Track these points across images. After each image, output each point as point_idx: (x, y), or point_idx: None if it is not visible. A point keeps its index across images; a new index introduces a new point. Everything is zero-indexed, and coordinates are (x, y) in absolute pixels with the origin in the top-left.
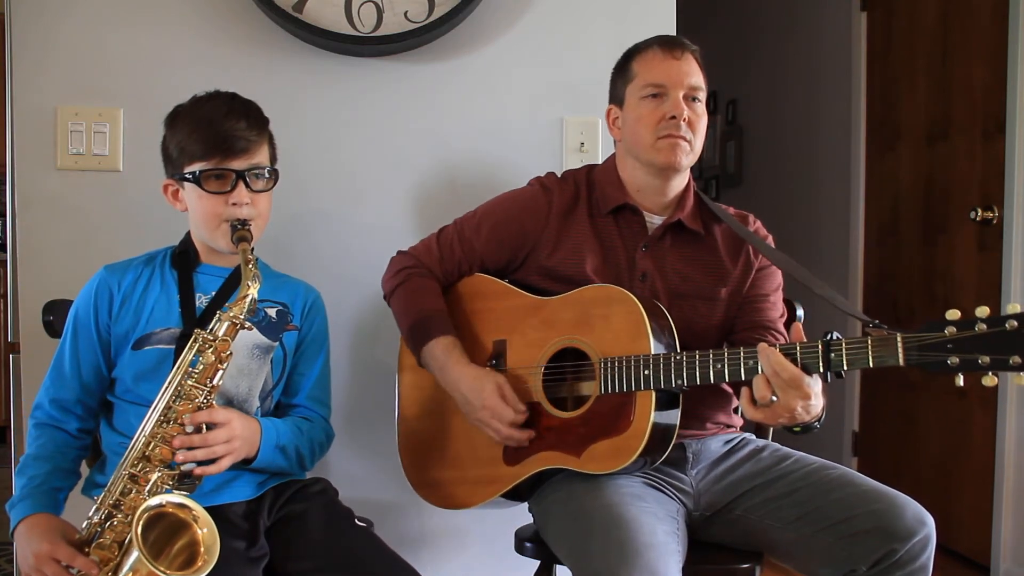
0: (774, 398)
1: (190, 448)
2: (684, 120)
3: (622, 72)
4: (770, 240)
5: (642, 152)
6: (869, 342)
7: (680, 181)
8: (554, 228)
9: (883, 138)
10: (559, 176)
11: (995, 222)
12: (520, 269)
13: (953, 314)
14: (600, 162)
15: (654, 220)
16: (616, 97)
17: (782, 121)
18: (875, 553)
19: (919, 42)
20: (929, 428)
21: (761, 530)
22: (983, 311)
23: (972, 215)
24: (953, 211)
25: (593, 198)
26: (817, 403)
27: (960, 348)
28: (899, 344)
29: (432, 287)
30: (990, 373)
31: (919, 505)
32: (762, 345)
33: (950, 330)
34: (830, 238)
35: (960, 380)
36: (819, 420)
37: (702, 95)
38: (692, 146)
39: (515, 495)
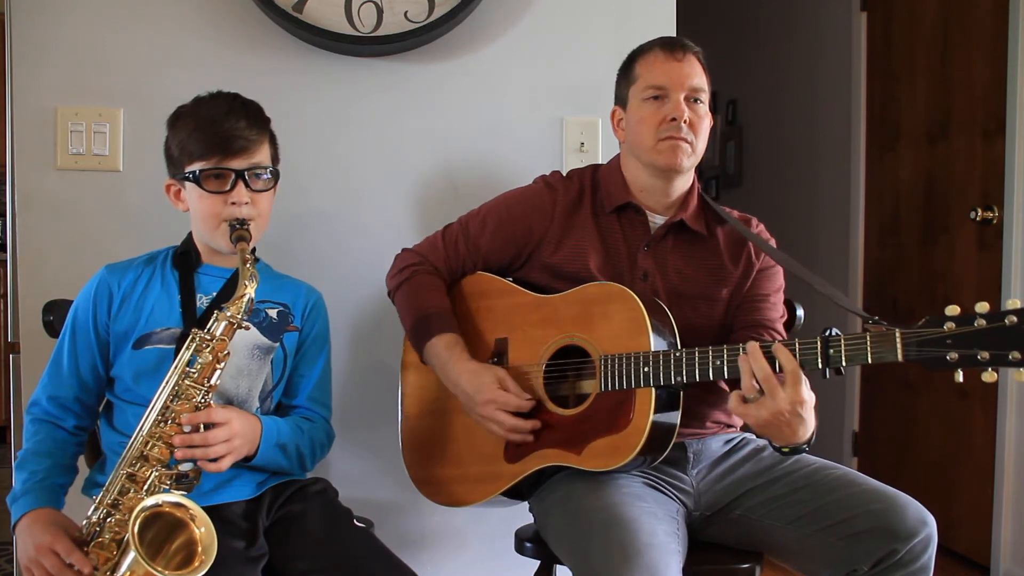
0: (759, 394)
1: (190, 447)
2: (685, 122)
3: (625, 74)
4: (772, 243)
5: (644, 154)
6: (868, 338)
7: (683, 182)
8: (558, 226)
9: (883, 138)
10: (564, 175)
11: (995, 222)
12: (524, 267)
13: (952, 310)
14: (600, 162)
15: (657, 220)
16: (620, 98)
17: (782, 121)
18: (876, 553)
19: (919, 42)
20: (929, 428)
21: (761, 530)
22: (983, 307)
23: (972, 215)
24: (953, 211)
25: (597, 197)
26: (810, 420)
27: (959, 344)
28: (898, 340)
29: (436, 284)
30: (989, 369)
31: (920, 505)
32: (751, 344)
33: (949, 326)
34: (830, 238)
35: (959, 376)
36: (808, 443)
37: (704, 96)
38: (694, 148)
39: (516, 493)
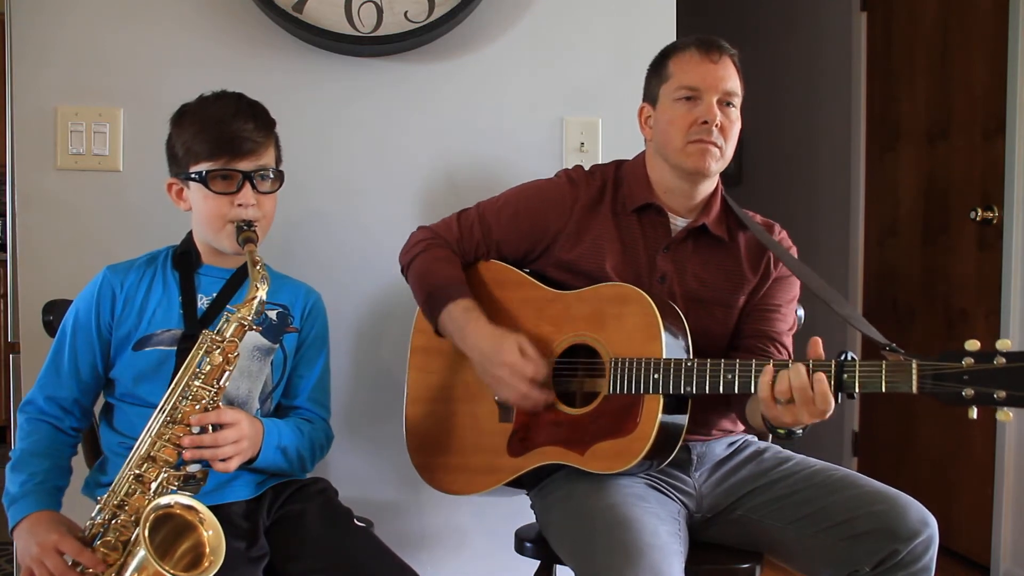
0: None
1: (199, 448)
2: (716, 126)
3: (657, 71)
4: (794, 251)
5: (671, 155)
6: (884, 367)
7: (708, 185)
8: (576, 222)
9: (883, 138)
10: (587, 170)
11: (995, 222)
12: (538, 260)
13: (972, 345)
14: (599, 162)
15: (678, 222)
16: (650, 95)
17: (782, 121)
18: (878, 554)
19: (919, 42)
20: (929, 428)
21: (763, 530)
22: (1004, 344)
23: (972, 215)
24: (953, 211)
25: (619, 195)
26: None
27: (976, 380)
28: (914, 371)
29: (451, 256)
30: (1005, 408)
31: (922, 506)
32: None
33: (968, 361)
34: (830, 238)
35: (974, 413)
36: (804, 428)
37: (737, 100)
38: (723, 152)
39: (516, 483)
